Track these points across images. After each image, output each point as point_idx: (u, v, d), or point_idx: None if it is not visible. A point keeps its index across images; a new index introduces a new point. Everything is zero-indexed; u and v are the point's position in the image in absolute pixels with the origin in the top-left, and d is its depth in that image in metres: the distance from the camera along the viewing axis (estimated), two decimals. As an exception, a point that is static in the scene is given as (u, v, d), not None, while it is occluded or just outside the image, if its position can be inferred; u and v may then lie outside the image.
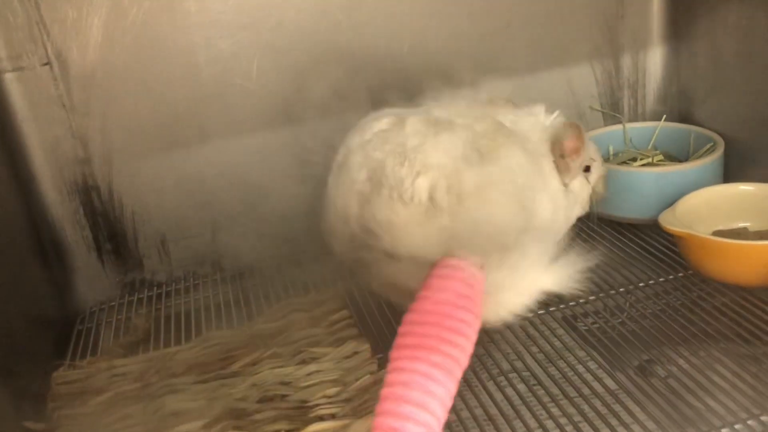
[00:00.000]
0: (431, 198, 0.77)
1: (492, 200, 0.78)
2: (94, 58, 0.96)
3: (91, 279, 1.05)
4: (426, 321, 0.64)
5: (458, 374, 0.62)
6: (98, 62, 0.96)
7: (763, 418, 0.65)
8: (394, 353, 0.63)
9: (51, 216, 1.01)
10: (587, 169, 0.89)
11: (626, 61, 1.19)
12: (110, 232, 1.04)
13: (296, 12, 1.01)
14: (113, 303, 1.04)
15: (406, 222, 0.78)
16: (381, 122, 0.83)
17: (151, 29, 0.97)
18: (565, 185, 0.87)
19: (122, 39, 0.96)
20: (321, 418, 0.69)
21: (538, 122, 0.88)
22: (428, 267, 0.69)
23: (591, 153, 0.89)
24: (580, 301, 0.88)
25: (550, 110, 0.89)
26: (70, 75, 0.96)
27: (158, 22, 0.97)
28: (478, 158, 0.79)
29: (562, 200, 0.87)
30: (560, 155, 0.85)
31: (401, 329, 0.64)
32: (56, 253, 1.02)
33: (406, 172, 0.78)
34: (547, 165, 0.86)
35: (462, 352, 0.62)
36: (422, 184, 0.77)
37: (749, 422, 0.65)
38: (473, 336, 0.64)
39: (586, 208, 0.92)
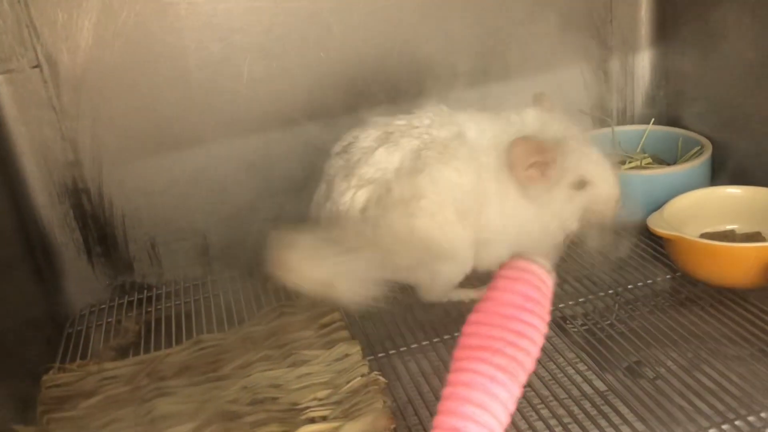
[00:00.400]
0: (363, 210, 0.83)
1: (417, 213, 0.82)
2: (84, 61, 0.96)
3: (81, 282, 1.05)
4: (491, 322, 0.64)
5: (523, 378, 0.62)
6: (88, 65, 0.96)
7: (750, 418, 0.66)
8: (457, 353, 0.63)
9: (41, 219, 1.01)
10: (580, 185, 0.85)
11: (615, 65, 1.20)
12: (100, 235, 1.04)
13: (286, 15, 1.02)
14: (103, 306, 1.04)
15: (346, 233, 0.84)
16: (349, 135, 0.89)
17: (142, 32, 0.97)
18: (529, 197, 0.85)
19: (112, 42, 0.96)
20: (312, 421, 0.69)
21: (508, 132, 0.85)
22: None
23: (588, 174, 0.85)
24: (570, 303, 0.88)
25: (544, 113, 0.88)
26: (60, 77, 0.96)
27: (149, 25, 0.97)
28: (410, 171, 0.83)
29: (526, 215, 0.86)
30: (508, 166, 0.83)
31: (466, 329, 0.65)
32: (46, 255, 1.02)
33: (346, 186, 0.84)
34: (508, 178, 0.84)
35: (527, 355, 0.63)
36: (360, 198, 0.83)
37: (736, 423, 0.66)
38: (539, 340, 0.64)
39: (572, 228, 0.88)
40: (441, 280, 0.88)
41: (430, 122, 0.86)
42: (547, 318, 0.66)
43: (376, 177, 0.84)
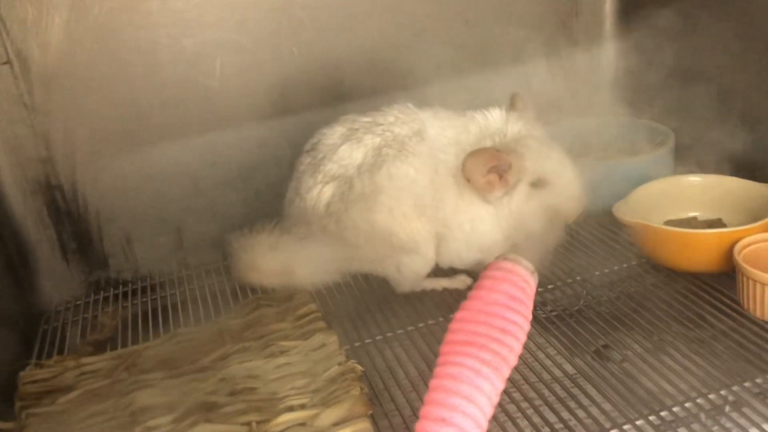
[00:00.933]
0: (328, 206, 0.87)
1: (376, 208, 0.86)
2: (55, 57, 0.96)
3: (56, 278, 1.05)
4: (476, 319, 0.67)
5: (506, 373, 0.65)
6: (60, 61, 0.96)
7: (711, 396, 0.69)
8: (444, 348, 0.66)
9: (14, 216, 1.01)
10: (540, 184, 0.87)
11: (581, 58, 1.23)
12: (74, 231, 1.04)
13: (258, 11, 1.03)
14: (79, 302, 1.04)
15: (313, 228, 0.88)
16: (318, 132, 0.92)
17: (113, 28, 0.97)
18: (488, 202, 0.87)
19: (84, 38, 0.96)
20: (291, 409, 0.70)
21: (469, 130, 0.88)
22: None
23: (546, 173, 0.86)
24: (539, 290, 0.90)
25: (512, 105, 0.90)
26: (31, 74, 0.96)
27: (120, 20, 0.97)
28: (371, 167, 0.86)
29: (483, 212, 0.87)
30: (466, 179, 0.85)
31: (452, 326, 0.68)
32: (19, 252, 1.02)
33: (313, 182, 0.88)
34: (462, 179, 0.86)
35: (511, 351, 0.66)
36: (326, 194, 0.88)
37: (698, 401, 0.69)
38: (523, 337, 0.68)
39: (535, 228, 0.87)
40: (407, 273, 0.91)
41: (393, 119, 0.89)
42: (530, 317, 0.69)
43: (340, 173, 0.88)
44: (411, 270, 0.91)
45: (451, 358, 0.65)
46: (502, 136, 0.87)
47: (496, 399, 0.64)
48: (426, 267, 0.91)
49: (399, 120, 0.89)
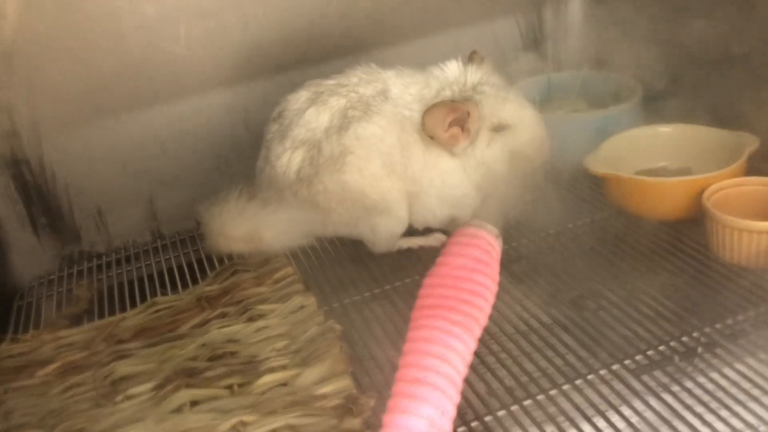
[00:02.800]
0: (298, 171, 0.87)
1: (345, 169, 0.86)
2: (13, 28, 0.93)
3: (28, 254, 1.04)
4: (445, 284, 0.68)
5: (477, 332, 0.66)
6: (18, 32, 0.94)
7: (683, 338, 0.71)
8: (415, 313, 0.67)
9: (-20, 192, 0.99)
10: (500, 128, 0.87)
11: (548, 13, 1.22)
12: (44, 206, 1.02)
13: (221, -28, 1.01)
14: (52, 276, 1.03)
15: (285, 194, 0.89)
16: (285, 99, 0.92)
17: (72, -5, 0.94)
18: (455, 154, 0.87)
19: (42, 5, 0.93)
20: (272, 370, 0.71)
21: (431, 85, 0.87)
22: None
23: (506, 116, 0.86)
24: (513, 244, 0.91)
25: (470, 62, 0.90)
26: (-11, 46, 0.93)
27: (79, -13, 0.94)
28: (338, 129, 0.86)
29: (450, 165, 0.87)
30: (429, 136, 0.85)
31: (422, 291, 0.70)
32: (-12, 230, 1.00)
33: (282, 149, 0.89)
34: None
35: (480, 311, 0.67)
36: (295, 159, 0.88)
37: (671, 344, 0.70)
38: (491, 298, 0.69)
39: (503, 173, 0.88)
40: (381, 233, 0.91)
41: (357, 80, 0.89)
42: (497, 278, 0.70)
43: (308, 137, 0.88)
44: (385, 230, 0.91)
45: (422, 321, 0.66)
46: (461, 86, 0.87)
47: (469, 358, 0.65)
48: (400, 227, 0.91)
49: (363, 80, 0.89)
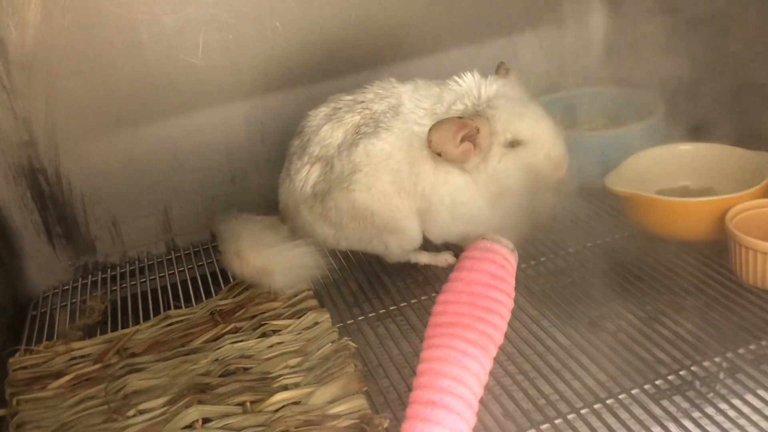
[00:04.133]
0: (314, 186, 0.87)
1: (354, 187, 0.85)
2: (33, 38, 0.94)
3: (43, 263, 1.04)
4: (459, 300, 0.67)
5: (493, 351, 0.65)
6: (38, 41, 0.94)
7: (705, 363, 0.69)
8: (429, 331, 0.66)
9: (-3, 201, 0.99)
10: (514, 144, 0.83)
11: (569, 28, 1.21)
12: (60, 216, 1.02)
13: (239, -16, 1.01)
14: (66, 287, 1.03)
15: (300, 208, 0.89)
16: (306, 115, 0.91)
17: (92, 6, 0.94)
18: (467, 171, 0.84)
19: (62, 17, 0.94)
20: (285, 388, 0.70)
21: (444, 99, 0.85)
22: None
23: (520, 132, 0.82)
24: (532, 263, 0.90)
25: (496, 73, 0.88)
26: (9, 56, 0.93)
27: (99, -2, 0.95)
28: (349, 146, 0.85)
29: (461, 181, 0.85)
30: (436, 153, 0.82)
31: (435, 308, 0.68)
32: (4, 238, 1.01)
33: (300, 164, 0.88)
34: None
35: (496, 329, 0.66)
36: (312, 175, 0.88)
37: (692, 368, 0.69)
38: (507, 315, 0.67)
39: (516, 190, 0.85)
40: (393, 250, 0.91)
41: (372, 96, 0.88)
42: (513, 294, 0.69)
43: (323, 154, 0.87)
44: (397, 247, 0.90)
45: (436, 340, 0.65)
46: (475, 100, 0.84)
47: (485, 378, 0.64)
48: (411, 244, 0.90)
49: (378, 96, 0.88)
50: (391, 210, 0.86)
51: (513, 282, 0.71)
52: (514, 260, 0.73)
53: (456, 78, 0.87)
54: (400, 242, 0.89)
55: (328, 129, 0.87)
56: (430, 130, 0.80)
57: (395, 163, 0.85)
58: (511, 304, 0.69)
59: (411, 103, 0.87)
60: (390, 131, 0.85)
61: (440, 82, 0.88)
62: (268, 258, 0.86)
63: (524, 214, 0.89)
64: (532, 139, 0.83)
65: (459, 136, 0.80)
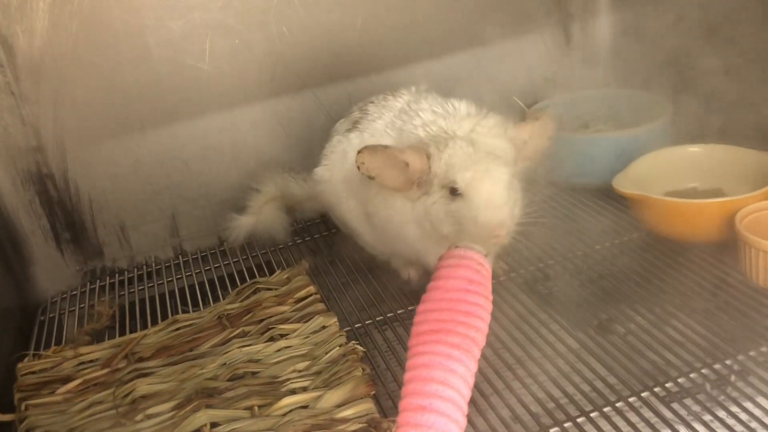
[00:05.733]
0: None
1: (336, 192, 0.90)
2: (41, 44, 0.94)
3: (51, 268, 1.04)
4: (439, 307, 0.67)
5: (477, 353, 0.65)
6: (46, 48, 0.94)
7: (716, 366, 0.69)
8: (411, 341, 0.66)
9: (5, 207, 0.99)
10: (453, 191, 0.76)
11: (576, 31, 1.21)
12: (68, 221, 1.03)
13: (246, -11, 1.01)
14: (75, 292, 1.03)
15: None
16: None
17: (99, 12, 0.95)
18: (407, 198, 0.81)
19: (69, 23, 0.94)
20: (293, 392, 0.70)
21: (414, 125, 0.82)
22: None
23: (458, 182, 0.75)
24: (540, 266, 0.90)
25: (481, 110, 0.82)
26: (17, 62, 0.94)
27: (106, 4, 0.95)
28: (347, 157, 0.87)
29: (400, 206, 0.82)
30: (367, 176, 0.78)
31: (416, 318, 0.68)
32: (12, 243, 1.01)
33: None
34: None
35: (478, 332, 0.66)
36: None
37: (703, 371, 0.68)
38: (487, 317, 0.67)
39: (440, 231, 0.79)
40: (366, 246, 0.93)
41: (374, 109, 0.89)
42: (491, 297, 0.69)
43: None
44: (364, 244, 0.93)
45: (420, 348, 0.65)
46: (441, 131, 0.79)
47: (471, 380, 0.64)
48: (373, 247, 0.93)
49: (371, 112, 0.88)
50: (344, 211, 0.91)
51: (490, 286, 0.70)
52: (489, 265, 0.71)
53: (451, 102, 0.83)
54: (364, 242, 0.92)
55: (335, 142, 0.92)
56: (358, 152, 0.76)
57: (348, 164, 0.86)
58: (490, 307, 0.68)
59: (382, 122, 0.86)
60: (361, 133, 0.87)
61: (444, 99, 0.85)
62: None
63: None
64: (467, 195, 0.76)
65: (389, 165, 0.77)
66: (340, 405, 0.67)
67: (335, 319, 0.81)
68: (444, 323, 0.65)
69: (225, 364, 0.76)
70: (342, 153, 0.88)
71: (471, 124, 0.79)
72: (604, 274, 0.87)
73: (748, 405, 0.64)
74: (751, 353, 0.69)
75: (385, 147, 0.77)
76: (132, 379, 0.76)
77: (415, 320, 0.68)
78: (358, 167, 0.77)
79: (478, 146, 0.76)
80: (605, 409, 0.65)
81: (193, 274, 1.02)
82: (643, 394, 0.66)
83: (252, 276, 0.96)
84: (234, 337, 0.81)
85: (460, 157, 0.76)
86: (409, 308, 0.86)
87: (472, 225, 0.75)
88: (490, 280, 0.70)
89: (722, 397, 0.65)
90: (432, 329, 0.65)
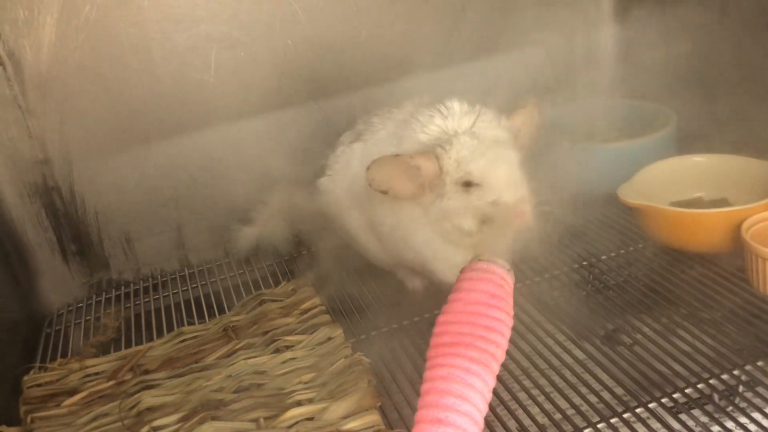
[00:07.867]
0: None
1: (340, 203, 0.89)
2: (48, 58, 0.95)
3: (57, 281, 1.04)
4: (460, 320, 0.66)
5: (495, 368, 0.64)
6: (52, 61, 0.95)
7: (723, 376, 0.68)
8: (431, 352, 0.65)
9: (12, 219, 1.00)
10: (468, 184, 0.77)
11: (579, 40, 1.21)
12: (74, 233, 1.03)
13: (250, 3, 1.01)
14: (81, 304, 1.03)
15: None
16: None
17: (105, 26, 0.96)
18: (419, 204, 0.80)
19: (76, 37, 0.95)
20: (299, 404, 0.69)
21: (413, 130, 0.81)
22: None
23: (472, 172, 0.76)
24: (546, 276, 0.90)
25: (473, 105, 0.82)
26: (24, 75, 0.95)
27: (111, 18, 0.96)
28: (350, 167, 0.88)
29: (411, 214, 0.81)
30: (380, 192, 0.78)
31: (436, 330, 0.67)
32: (19, 256, 1.01)
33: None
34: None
35: (497, 347, 0.65)
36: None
37: (711, 381, 0.68)
38: (507, 333, 0.67)
39: (465, 228, 0.79)
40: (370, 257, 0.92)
41: (377, 121, 0.88)
42: (512, 312, 0.68)
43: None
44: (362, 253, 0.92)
45: (439, 360, 0.64)
46: (442, 131, 0.79)
47: (489, 395, 0.63)
48: (374, 257, 0.92)
49: (374, 123, 0.88)
50: (347, 220, 0.89)
51: (511, 301, 0.70)
52: (511, 280, 0.72)
53: (442, 104, 0.82)
54: (364, 251, 0.91)
55: (339, 153, 0.91)
56: (368, 168, 0.75)
57: (352, 174, 0.86)
58: (510, 323, 0.68)
59: (385, 131, 0.86)
60: (356, 159, 0.86)
61: (432, 106, 0.83)
62: None
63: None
64: (484, 182, 0.77)
65: (400, 174, 0.76)
66: (346, 416, 0.67)
67: (341, 331, 0.81)
68: (464, 336, 0.65)
69: (230, 375, 0.76)
70: (345, 163, 0.88)
71: (470, 120, 0.80)
72: (609, 284, 0.87)
73: (757, 415, 0.63)
74: (759, 363, 0.69)
75: (393, 156, 0.77)
76: (138, 392, 0.76)
77: (434, 331, 0.67)
78: (369, 184, 0.76)
79: (483, 138, 0.78)
80: (612, 420, 0.65)
81: (199, 286, 1.03)
82: (650, 405, 0.66)
83: (257, 288, 0.96)
84: (239, 348, 0.81)
85: (468, 151, 0.77)
86: (415, 319, 0.85)
87: (494, 208, 0.76)
88: (512, 295, 0.70)
89: (730, 408, 0.65)
90: (451, 342, 0.65)
